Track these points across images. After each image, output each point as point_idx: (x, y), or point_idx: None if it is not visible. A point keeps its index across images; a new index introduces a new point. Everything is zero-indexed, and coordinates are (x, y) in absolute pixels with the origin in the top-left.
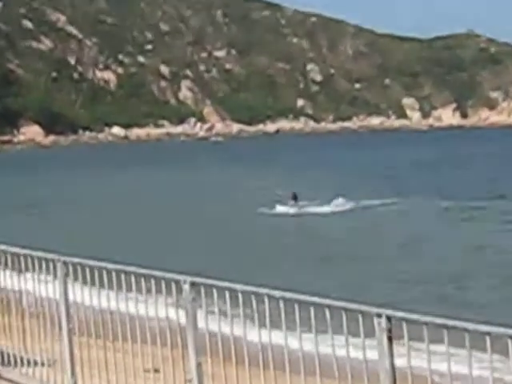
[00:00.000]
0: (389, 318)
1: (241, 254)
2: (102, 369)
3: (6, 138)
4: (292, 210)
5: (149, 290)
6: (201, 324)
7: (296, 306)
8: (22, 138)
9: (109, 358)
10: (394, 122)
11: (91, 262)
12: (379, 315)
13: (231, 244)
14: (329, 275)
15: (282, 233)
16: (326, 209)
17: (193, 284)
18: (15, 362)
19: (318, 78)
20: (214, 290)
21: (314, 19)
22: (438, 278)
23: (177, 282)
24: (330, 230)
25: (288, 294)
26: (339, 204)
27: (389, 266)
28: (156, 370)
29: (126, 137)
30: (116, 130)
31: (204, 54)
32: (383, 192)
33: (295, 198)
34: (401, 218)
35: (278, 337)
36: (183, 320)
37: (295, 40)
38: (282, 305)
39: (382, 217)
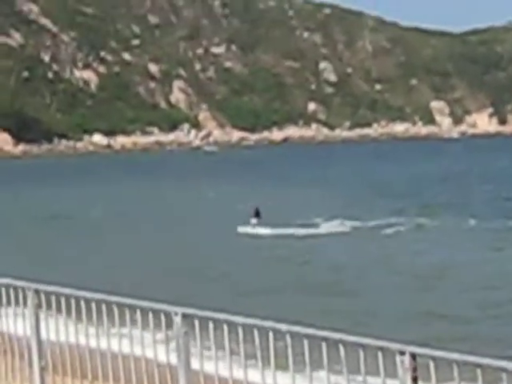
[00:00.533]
0: (413, 356)
1: (221, 282)
2: None
3: None
4: (254, 230)
5: (134, 323)
6: (194, 363)
7: (305, 342)
8: None
9: None
10: (421, 129)
11: (67, 291)
12: (402, 352)
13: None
14: (324, 306)
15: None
16: (315, 231)
17: (185, 316)
18: None
19: (333, 78)
20: (210, 323)
21: (327, 11)
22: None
23: (167, 314)
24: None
25: (296, 328)
26: (333, 226)
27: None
28: None
29: (108, 145)
30: (97, 137)
31: (200, 51)
32: (394, 211)
33: (257, 214)
34: (409, 240)
35: (284, 378)
36: (174, 359)
37: (306, 34)
38: (289, 340)
39: (383, 240)
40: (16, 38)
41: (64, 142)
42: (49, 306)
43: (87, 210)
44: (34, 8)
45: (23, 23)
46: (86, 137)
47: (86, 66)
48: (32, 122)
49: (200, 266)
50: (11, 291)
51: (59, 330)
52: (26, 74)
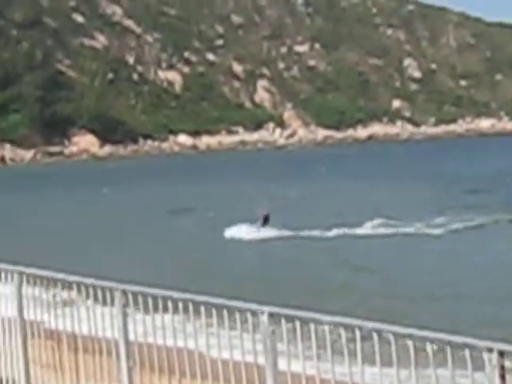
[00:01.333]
0: (501, 354)
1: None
2: None
3: (55, 149)
4: (250, 236)
5: (221, 322)
6: (281, 362)
7: (392, 339)
8: (73, 148)
9: None
10: (507, 125)
11: (154, 291)
12: (490, 350)
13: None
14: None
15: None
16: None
17: (272, 315)
18: None
19: (417, 74)
20: (297, 323)
21: (411, 7)
22: None
23: (253, 313)
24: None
25: (382, 326)
26: (374, 226)
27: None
28: None
29: (194, 146)
30: (182, 138)
31: (283, 50)
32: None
33: (266, 220)
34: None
35: (371, 375)
36: (261, 357)
37: (390, 31)
38: (375, 337)
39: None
40: (100, 40)
41: (149, 142)
42: (136, 306)
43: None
44: (118, 10)
45: (107, 25)
46: (171, 137)
47: (170, 67)
48: (117, 124)
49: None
50: (99, 291)
51: (147, 329)
52: (110, 75)
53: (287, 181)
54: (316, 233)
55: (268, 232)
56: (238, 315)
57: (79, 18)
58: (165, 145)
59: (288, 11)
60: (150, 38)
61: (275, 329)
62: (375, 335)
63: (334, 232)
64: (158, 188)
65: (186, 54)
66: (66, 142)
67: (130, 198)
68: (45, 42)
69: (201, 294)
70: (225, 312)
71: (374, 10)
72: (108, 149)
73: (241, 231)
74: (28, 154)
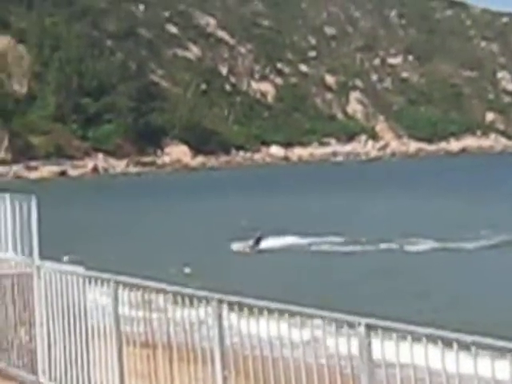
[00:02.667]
0: None
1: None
2: None
3: (148, 159)
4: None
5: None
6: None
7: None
8: (166, 159)
9: None
10: None
11: (250, 301)
12: None
13: None
14: None
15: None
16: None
17: (369, 326)
18: None
19: (511, 87)
20: (394, 335)
21: (505, 19)
22: None
23: (350, 325)
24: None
25: (480, 339)
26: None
27: None
28: None
29: (285, 157)
30: (274, 149)
31: (376, 61)
32: None
33: (257, 241)
34: None
35: None
36: (357, 368)
37: (483, 44)
38: (473, 351)
39: None
40: (194, 51)
41: (241, 153)
42: (229, 316)
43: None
44: (212, 21)
45: (201, 36)
46: (264, 148)
47: (263, 78)
48: (210, 134)
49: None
50: (195, 300)
51: (242, 338)
52: (203, 86)
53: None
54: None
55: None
56: (334, 326)
57: (173, 29)
58: (257, 156)
59: (381, 23)
60: (243, 49)
61: (371, 340)
62: (473, 349)
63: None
64: (245, 200)
65: (279, 65)
66: (159, 152)
67: (211, 210)
68: (139, 52)
69: (296, 305)
70: (320, 322)
71: (468, 23)
72: (200, 159)
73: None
74: (121, 164)
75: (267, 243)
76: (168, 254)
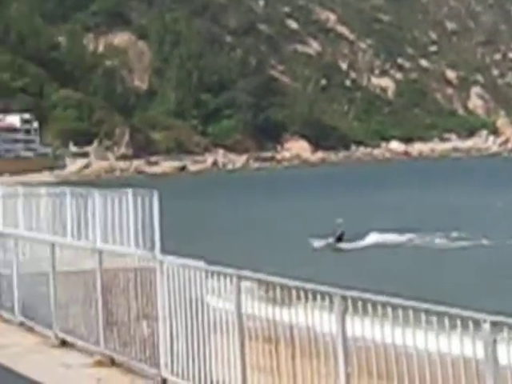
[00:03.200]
0: None
1: None
2: None
3: (268, 154)
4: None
5: (441, 329)
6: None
7: None
8: (286, 154)
9: None
10: None
11: (373, 297)
12: None
13: None
14: None
15: None
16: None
17: (494, 324)
18: None
19: None
20: None
21: None
22: None
23: (475, 321)
24: None
25: None
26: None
27: None
28: None
29: (405, 152)
30: (394, 144)
31: (497, 56)
32: None
33: (340, 238)
34: None
35: None
36: (481, 366)
37: None
38: None
39: None
40: (314, 47)
41: (361, 149)
42: (355, 311)
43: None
44: (332, 16)
45: (321, 32)
46: (383, 144)
47: (383, 73)
48: (330, 130)
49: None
50: (318, 296)
51: (365, 335)
52: (323, 82)
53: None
54: None
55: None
56: (459, 323)
57: (293, 25)
58: (377, 151)
59: (503, 17)
60: (363, 45)
61: (497, 338)
62: None
63: None
64: (360, 195)
65: (399, 61)
66: (279, 148)
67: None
68: (259, 48)
69: (422, 302)
70: (446, 320)
71: None
72: (320, 155)
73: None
74: (240, 159)
75: (370, 239)
76: (271, 254)
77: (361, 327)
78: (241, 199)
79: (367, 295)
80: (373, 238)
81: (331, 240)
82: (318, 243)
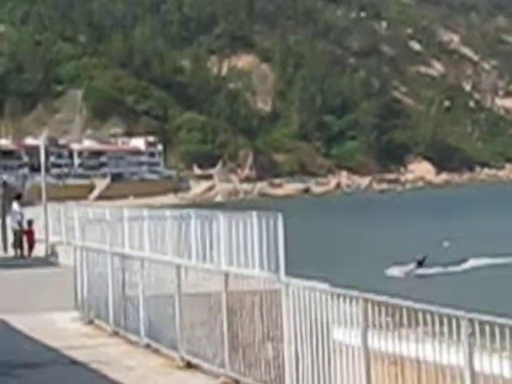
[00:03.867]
0: None
1: None
2: None
3: (391, 176)
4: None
5: None
6: None
7: None
8: (409, 176)
9: None
10: None
11: (502, 320)
12: None
13: None
14: None
15: None
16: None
17: None
18: None
19: None
20: None
21: None
22: None
23: None
24: None
25: None
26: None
27: None
28: None
29: None
30: None
31: None
32: None
33: (420, 263)
34: None
35: None
36: None
37: None
38: None
39: None
40: (437, 68)
41: (486, 170)
42: (483, 338)
43: None
44: (455, 38)
45: (444, 53)
46: (508, 165)
47: (508, 94)
48: (453, 151)
49: None
50: (444, 319)
51: (493, 361)
52: (447, 103)
53: None
54: None
55: None
56: None
57: (416, 46)
58: (501, 173)
59: None
60: (487, 66)
61: None
62: None
63: None
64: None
65: None
66: (402, 169)
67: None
68: (381, 69)
69: None
70: None
71: None
72: (444, 176)
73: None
74: (364, 181)
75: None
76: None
77: (489, 352)
78: (362, 221)
79: (495, 319)
80: (471, 263)
81: (412, 266)
82: (392, 271)
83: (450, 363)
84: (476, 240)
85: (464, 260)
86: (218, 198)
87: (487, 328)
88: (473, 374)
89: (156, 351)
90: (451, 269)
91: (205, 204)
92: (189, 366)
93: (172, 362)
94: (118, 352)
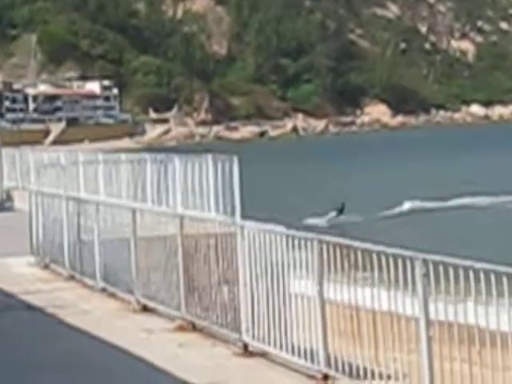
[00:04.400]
0: None
1: None
2: None
3: (347, 119)
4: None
5: None
6: None
7: None
8: (365, 118)
9: (475, 374)
10: None
11: (455, 261)
12: None
13: None
14: None
15: None
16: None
17: None
18: (365, 374)
19: None
20: None
21: None
22: None
23: None
24: None
25: None
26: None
27: None
28: None
29: (486, 116)
30: (475, 108)
31: None
32: None
33: (341, 211)
34: None
35: None
36: None
37: None
38: None
39: None
40: (393, 10)
41: (441, 113)
42: (436, 276)
43: None
44: None
45: None
46: (464, 107)
47: (463, 36)
48: (409, 94)
49: None
50: (399, 260)
51: (447, 299)
52: (403, 45)
53: None
54: None
55: None
56: None
57: None
58: (457, 115)
59: None
60: (442, 8)
61: None
62: None
63: None
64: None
65: (479, 23)
66: (358, 112)
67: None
68: (337, 11)
69: (503, 265)
70: None
71: None
72: (400, 119)
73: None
74: (320, 124)
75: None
76: None
77: (443, 290)
78: (314, 164)
79: (448, 259)
80: (407, 205)
81: (332, 214)
82: (313, 220)
83: (406, 304)
84: (415, 184)
85: (399, 204)
86: (174, 142)
87: (441, 268)
88: (427, 313)
89: (112, 295)
90: (385, 213)
91: (160, 148)
92: (145, 309)
93: (128, 306)
94: (73, 296)
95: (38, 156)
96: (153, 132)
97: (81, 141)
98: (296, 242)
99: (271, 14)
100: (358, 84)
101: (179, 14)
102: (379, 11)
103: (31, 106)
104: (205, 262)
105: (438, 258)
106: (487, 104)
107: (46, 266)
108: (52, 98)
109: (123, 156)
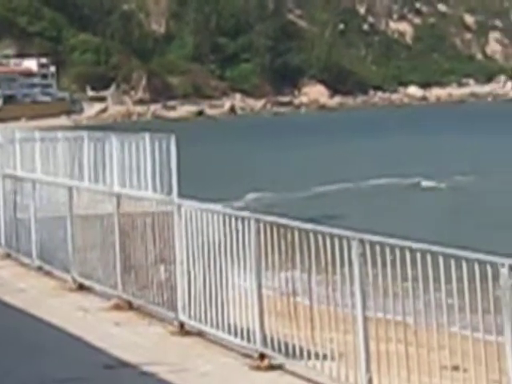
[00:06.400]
0: None
1: None
2: (402, 366)
3: (285, 99)
4: None
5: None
6: None
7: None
8: (303, 99)
9: (410, 354)
10: None
11: (392, 241)
12: None
13: None
14: None
15: None
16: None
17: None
18: (301, 354)
19: None
20: None
21: None
22: None
23: (493, 266)
24: None
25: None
26: None
27: None
28: (465, 370)
29: (423, 97)
30: (412, 89)
31: None
32: None
33: None
34: None
35: None
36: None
37: None
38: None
39: None
40: None
41: (379, 93)
42: (373, 256)
43: None
44: None
45: None
46: (401, 89)
47: (401, 18)
48: (347, 75)
49: None
50: (336, 240)
51: (384, 279)
52: (341, 26)
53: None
54: None
55: None
56: (477, 267)
57: None
58: (394, 96)
59: None
60: None
61: None
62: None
63: None
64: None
65: (418, 5)
66: (296, 92)
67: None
68: None
69: (438, 245)
70: (464, 264)
71: None
72: (337, 99)
73: None
74: (258, 104)
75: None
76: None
77: (379, 270)
78: (256, 143)
79: (385, 239)
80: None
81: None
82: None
83: (343, 283)
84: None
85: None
86: (111, 120)
87: (378, 248)
88: (363, 292)
89: (48, 273)
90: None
91: (98, 126)
92: (81, 288)
93: (64, 284)
94: (9, 274)
95: None
96: (90, 110)
97: (18, 119)
98: (233, 220)
99: None
100: (296, 64)
101: None
102: None
103: None
104: (142, 241)
105: (375, 238)
106: (425, 85)
107: None
108: None
109: (60, 134)
